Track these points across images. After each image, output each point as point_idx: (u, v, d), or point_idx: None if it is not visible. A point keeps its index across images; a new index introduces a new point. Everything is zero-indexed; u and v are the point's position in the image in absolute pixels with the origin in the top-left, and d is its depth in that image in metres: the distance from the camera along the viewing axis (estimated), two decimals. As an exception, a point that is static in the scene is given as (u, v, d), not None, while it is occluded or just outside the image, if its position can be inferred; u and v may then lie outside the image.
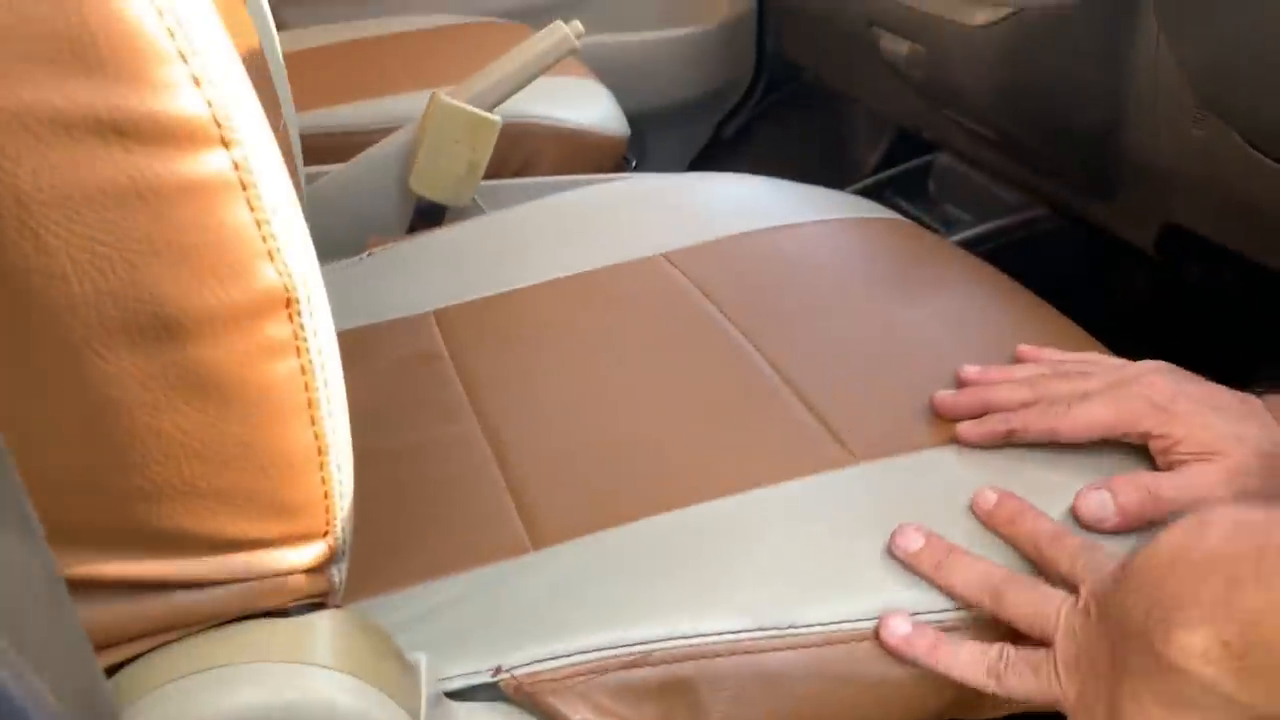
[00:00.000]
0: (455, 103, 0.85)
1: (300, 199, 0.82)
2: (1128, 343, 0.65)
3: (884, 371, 0.63)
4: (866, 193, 1.31)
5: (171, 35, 0.30)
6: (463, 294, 0.78)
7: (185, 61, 0.30)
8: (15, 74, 0.28)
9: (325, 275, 0.84)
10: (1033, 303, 0.71)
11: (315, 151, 0.99)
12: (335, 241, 0.88)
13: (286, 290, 0.34)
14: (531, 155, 1.10)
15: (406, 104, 1.08)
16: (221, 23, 0.35)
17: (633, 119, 1.23)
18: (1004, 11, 0.86)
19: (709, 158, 1.66)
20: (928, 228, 0.90)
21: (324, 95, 1.12)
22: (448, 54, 1.28)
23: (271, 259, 0.33)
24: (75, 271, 0.30)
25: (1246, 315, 1.01)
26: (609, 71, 1.30)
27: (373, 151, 0.93)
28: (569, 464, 0.58)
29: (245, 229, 0.33)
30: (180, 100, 0.30)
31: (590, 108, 1.15)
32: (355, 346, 0.74)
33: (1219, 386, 0.54)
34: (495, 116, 0.87)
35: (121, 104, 0.30)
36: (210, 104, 0.31)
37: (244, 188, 0.32)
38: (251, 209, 0.32)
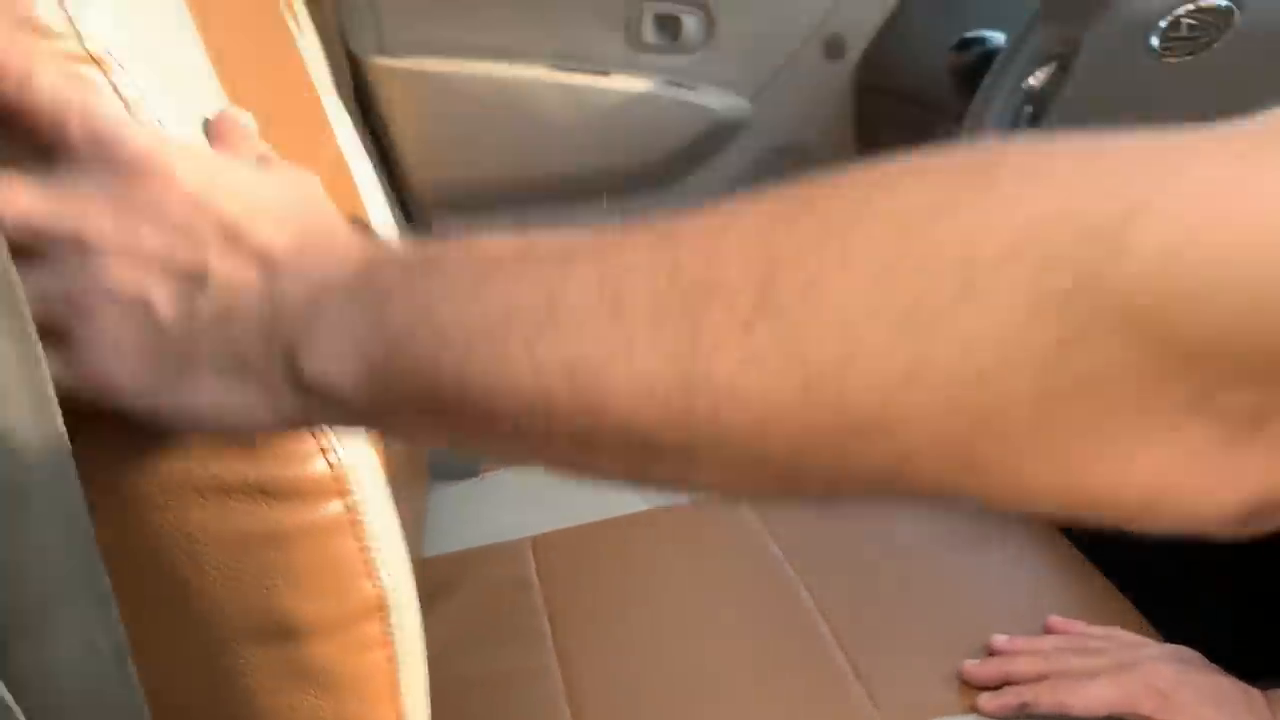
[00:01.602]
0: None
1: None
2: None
3: (925, 630, 0.70)
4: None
5: (307, 419, 0.41)
6: (559, 521, 0.88)
7: (316, 438, 0.41)
8: (195, 456, 0.39)
9: (442, 498, 0.94)
10: (1080, 572, 0.76)
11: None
12: (454, 464, 0.99)
13: (380, 599, 0.43)
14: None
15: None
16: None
17: None
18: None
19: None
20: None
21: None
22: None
23: (369, 576, 0.43)
24: (224, 592, 0.41)
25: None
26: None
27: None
28: (631, 705, 0.66)
29: (351, 556, 0.42)
30: (310, 467, 0.41)
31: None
32: (457, 570, 0.84)
33: (1225, 678, 0.59)
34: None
35: (267, 473, 0.40)
36: (332, 466, 0.41)
37: (352, 525, 0.42)
38: (357, 540, 0.42)
